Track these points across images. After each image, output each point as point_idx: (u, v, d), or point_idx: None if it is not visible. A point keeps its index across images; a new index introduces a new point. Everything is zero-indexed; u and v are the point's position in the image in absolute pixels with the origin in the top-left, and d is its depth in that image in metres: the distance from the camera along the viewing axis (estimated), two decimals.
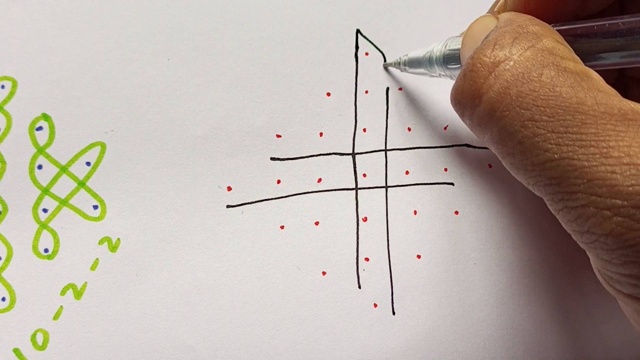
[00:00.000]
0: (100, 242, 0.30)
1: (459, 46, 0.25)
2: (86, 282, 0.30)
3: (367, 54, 0.33)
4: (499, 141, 0.20)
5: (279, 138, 0.32)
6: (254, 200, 0.31)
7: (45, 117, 0.32)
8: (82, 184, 0.31)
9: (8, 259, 0.30)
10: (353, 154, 0.32)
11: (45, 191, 0.31)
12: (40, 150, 0.31)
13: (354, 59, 0.33)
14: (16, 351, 0.29)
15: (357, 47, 0.33)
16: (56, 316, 0.29)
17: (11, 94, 0.32)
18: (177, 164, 0.31)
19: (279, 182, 0.31)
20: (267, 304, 0.30)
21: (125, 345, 0.29)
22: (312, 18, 0.33)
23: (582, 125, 0.18)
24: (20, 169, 0.31)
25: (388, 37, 0.34)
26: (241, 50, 0.33)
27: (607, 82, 0.20)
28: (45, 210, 0.30)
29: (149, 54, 0.33)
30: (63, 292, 0.30)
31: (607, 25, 0.21)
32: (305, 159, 0.32)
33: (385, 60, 0.33)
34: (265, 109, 0.32)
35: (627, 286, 0.18)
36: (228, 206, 0.31)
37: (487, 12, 0.29)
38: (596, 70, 0.21)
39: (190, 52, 0.33)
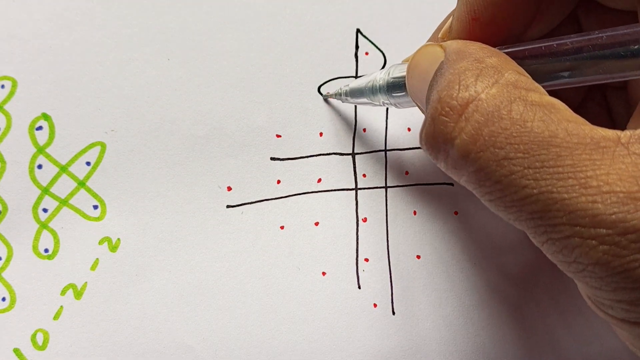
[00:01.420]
0: (101, 242, 0.30)
1: (403, 74, 0.25)
2: (86, 282, 0.30)
3: (367, 53, 0.33)
4: (476, 182, 0.19)
5: (279, 138, 0.32)
6: (253, 201, 0.31)
7: (45, 116, 0.32)
8: (82, 183, 0.31)
9: (8, 259, 0.30)
10: (353, 154, 0.32)
11: (45, 191, 0.31)
12: (40, 150, 0.31)
13: (354, 59, 0.33)
14: (16, 351, 0.29)
15: (357, 47, 0.33)
16: (56, 316, 0.29)
17: (11, 94, 0.32)
18: (177, 164, 0.31)
19: (278, 182, 0.31)
20: (267, 304, 0.30)
21: (125, 345, 0.29)
22: (312, 18, 0.33)
23: (557, 158, 0.17)
24: (20, 169, 0.31)
25: (388, 37, 0.34)
26: (241, 50, 0.33)
27: (572, 105, 0.20)
28: (45, 210, 0.30)
29: (149, 54, 0.33)
30: (63, 292, 0.30)
31: (554, 45, 0.21)
32: (305, 159, 0.32)
33: (385, 61, 0.33)
34: (265, 109, 0.32)
35: (620, 311, 0.18)
36: (228, 206, 0.31)
37: (429, 39, 0.28)
38: (552, 90, 0.21)
39: (190, 52, 0.33)
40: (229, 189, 0.31)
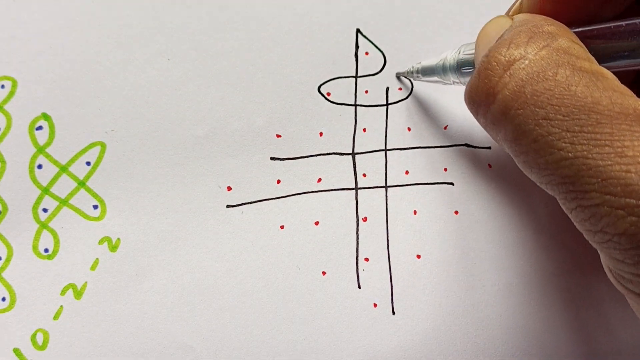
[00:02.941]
0: (100, 241, 0.30)
1: (472, 51, 0.26)
2: (86, 282, 0.30)
3: (367, 53, 0.33)
4: (513, 139, 0.20)
5: (279, 138, 0.32)
6: (254, 200, 0.31)
7: (45, 116, 0.32)
8: (82, 183, 0.31)
9: (8, 259, 0.30)
10: (353, 154, 0.32)
11: (45, 191, 0.31)
12: (40, 149, 0.31)
13: (354, 59, 0.33)
14: (16, 351, 0.29)
15: (357, 47, 0.33)
16: (56, 316, 0.29)
17: (11, 94, 0.32)
18: (177, 163, 0.31)
19: (279, 182, 0.31)
20: (267, 304, 0.30)
21: (125, 345, 0.29)
22: (312, 18, 0.33)
23: (597, 124, 0.18)
24: (20, 169, 0.31)
25: (388, 37, 0.34)
26: (241, 50, 0.33)
27: (626, 80, 0.20)
28: (45, 210, 0.30)
29: (149, 54, 0.33)
30: (63, 292, 0.30)
31: (624, 25, 0.21)
32: (305, 158, 0.32)
33: (385, 61, 0.33)
34: (265, 108, 0.32)
35: (638, 285, 0.18)
36: (228, 206, 0.31)
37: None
38: (613, 71, 0.21)
39: (190, 52, 0.33)
40: (229, 188, 0.31)
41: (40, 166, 0.31)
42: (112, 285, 0.30)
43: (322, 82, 0.33)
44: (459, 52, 0.27)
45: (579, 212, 0.18)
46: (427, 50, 0.34)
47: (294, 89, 0.33)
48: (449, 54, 0.28)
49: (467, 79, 0.26)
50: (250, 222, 0.31)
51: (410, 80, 0.33)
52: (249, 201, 0.31)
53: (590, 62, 0.19)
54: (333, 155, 0.32)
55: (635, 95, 0.19)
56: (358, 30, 0.34)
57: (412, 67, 0.31)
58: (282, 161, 0.32)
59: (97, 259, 0.30)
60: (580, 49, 0.20)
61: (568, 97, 0.18)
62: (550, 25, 0.21)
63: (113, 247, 0.30)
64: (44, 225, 0.30)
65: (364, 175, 0.32)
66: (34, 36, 0.33)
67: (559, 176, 0.18)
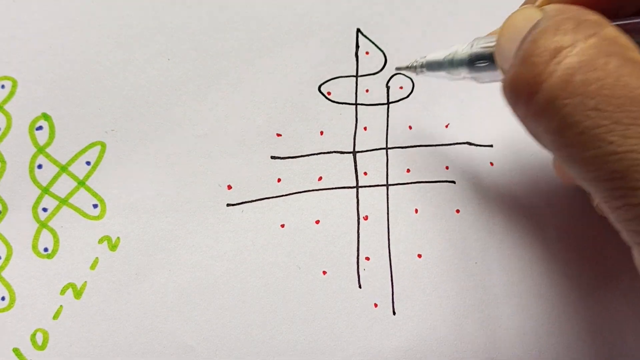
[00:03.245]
0: (100, 241, 0.30)
1: (488, 44, 0.24)
2: (86, 282, 0.30)
3: (367, 53, 0.33)
4: (557, 131, 0.19)
5: (279, 137, 0.32)
6: (254, 199, 0.31)
7: (46, 116, 0.32)
8: (82, 183, 0.31)
9: (8, 259, 0.30)
10: (354, 152, 0.32)
11: (45, 190, 0.31)
12: (40, 149, 0.31)
13: (355, 58, 0.33)
14: (16, 351, 0.29)
15: (357, 46, 0.33)
16: (56, 316, 0.29)
17: (11, 94, 0.32)
18: (177, 162, 0.31)
19: (279, 180, 0.31)
20: (267, 304, 0.30)
21: (125, 345, 0.29)
22: (312, 18, 0.33)
23: None
24: (20, 169, 0.31)
25: (389, 36, 0.33)
26: (241, 50, 0.33)
27: None
28: (45, 210, 0.30)
29: (149, 54, 0.33)
30: (63, 292, 0.29)
31: None
32: (306, 157, 0.32)
33: (385, 60, 0.33)
34: (265, 108, 0.32)
35: None
36: (228, 205, 0.31)
37: (523, 3, 0.27)
38: None
39: (190, 52, 0.33)
40: (229, 187, 0.31)
41: (40, 166, 0.31)
42: (112, 285, 0.30)
43: (322, 82, 0.33)
44: (472, 46, 0.26)
45: (625, 211, 0.17)
46: (428, 49, 0.33)
47: (294, 89, 0.32)
48: (459, 48, 0.27)
49: (481, 73, 0.25)
50: (251, 220, 0.31)
51: (410, 79, 0.33)
52: (249, 200, 0.31)
53: (639, 53, 0.18)
54: (334, 153, 0.32)
55: None
56: (358, 30, 0.33)
57: (416, 62, 0.29)
58: (282, 160, 0.32)
59: (97, 258, 0.30)
60: (626, 39, 0.19)
61: (619, 88, 0.17)
62: (593, 15, 0.20)
63: (113, 247, 0.30)
64: (43, 225, 0.30)
65: (365, 173, 0.32)
66: (34, 36, 0.33)
67: (606, 171, 0.17)
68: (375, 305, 0.31)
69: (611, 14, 0.23)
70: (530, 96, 0.19)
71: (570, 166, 0.19)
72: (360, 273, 0.31)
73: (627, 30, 0.21)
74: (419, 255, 0.31)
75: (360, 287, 0.31)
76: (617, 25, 0.21)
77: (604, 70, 0.18)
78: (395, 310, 0.31)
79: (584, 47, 0.18)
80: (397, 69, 0.31)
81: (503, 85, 0.21)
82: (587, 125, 0.18)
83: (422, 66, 0.29)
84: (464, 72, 0.26)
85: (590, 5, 0.22)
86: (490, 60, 0.24)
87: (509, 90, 0.20)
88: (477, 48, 0.25)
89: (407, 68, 0.30)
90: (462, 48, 0.26)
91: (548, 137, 0.19)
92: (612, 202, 0.18)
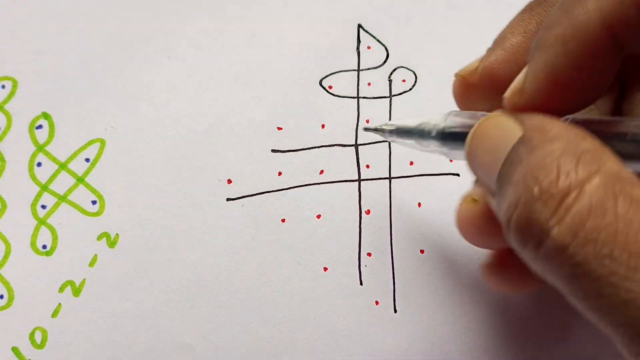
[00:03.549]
0: (99, 237, 0.30)
1: (465, 123, 0.23)
2: (85, 279, 0.29)
3: (369, 47, 0.33)
4: (570, 279, 0.18)
5: (280, 130, 0.32)
6: (254, 193, 0.31)
7: (45, 115, 0.32)
8: (81, 180, 0.31)
9: (6, 256, 0.30)
10: (356, 145, 0.32)
11: (44, 188, 0.31)
12: (40, 148, 0.31)
13: (356, 53, 0.33)
14: (15, 350, 0.29)
15: (358, 41, 0.33)
16: (54, 314, 0.29)
17: (11, 94, 0.32)
18: (176, 158, 0.31)
19: (280, 174, 0.31)
20: (267, 301, 0.29)
21: (124, 343, 0.29)
22: (313, 14, 0.34)
23: None
24: (19, 167, 0.31)
25: (390, 31, 0.33)
26: (242, 44, 0.33)
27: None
28: (43, 207, 0.30)
29: (148, 53, 0.33)
30: (61, 289, 0.29)
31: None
32: (307, 150, 0.31)
33: (387, 54, 0.33)
34: (265, 102, 0.32)
35: None
36: (228, 199, 0.31)
37: (467, 70, 0.25)
38: None
39: (190, 48, 0.33)
40: (229, 181, 0.31)
41: (39, 164, 0.31)
42: (111, 282, 0.29)
43: (323, 76, 0.33)
44: (445, 120, 0.24)
45: None
46: (430, 42, 0.33)
47: (294, 83, 0.32)
48: (432, 118, 0.25)
49: (452, 152, 0.24)
50: (251, 215, 0.30)
51: (413, 72, 0.33)
52: (250, 194, 0.31)
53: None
54: (335, 146, 0.32)
55: None
56: (360, 25, 0.33)
57: (386, 125, 0.27)
58: (283, 153, 0.31)
59: (96, 255, 0.30)
60: (627, 172, 0.18)
61: (633, 235, 0.16)
62: (585, 141, 0.18)
63: (112, 243, 0.30)
64: (42, 222, 0.30)
65: (367, 166, 0.31)
66: (34, 36, 0.33)
67: (626, 317, 0.17)
68: (377, 302, 0.30)
69: (587, 102, 0.22)
70: (539, 243, 0.18)
71: (585, 310, 0.18)
72: (361, 269, 0.30)
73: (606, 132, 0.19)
74: (422, 251, 0.31)
75: (361, 284, 0.30)
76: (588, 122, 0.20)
77: (613, 214, 0.17)
78: (397, 309, 0.30)
79: (590, 190, 0.17)
80: (365, 129, 0.29)
81: (505, 228, 0.20)
82: (602, 273, 0.17)
83: (391, 131, 0.27)
84: (432, 145, 0.25)
85: (566, 95, 0.20)
86: (463, 141, 0.23)
87: (514, 235, 0.19)
88: (450, 124, 0.24)
89: (376, 130, 0.28)
90: (435, 119, 0.24)
91: (559, 282, 0.18)
92: (634, 348, 0.17)
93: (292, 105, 0.32)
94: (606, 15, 0.19)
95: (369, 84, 0.33)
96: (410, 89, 0.33)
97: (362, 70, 0.33)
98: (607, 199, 0.17)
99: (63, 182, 0.31)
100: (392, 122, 0.27)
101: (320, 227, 0.30)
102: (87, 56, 0.33)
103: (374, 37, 0.33)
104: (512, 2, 0.27)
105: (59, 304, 0.29)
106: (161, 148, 0.31)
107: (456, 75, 0.25)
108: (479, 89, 0.23)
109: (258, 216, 0.30)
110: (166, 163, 0.31)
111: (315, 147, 0.31)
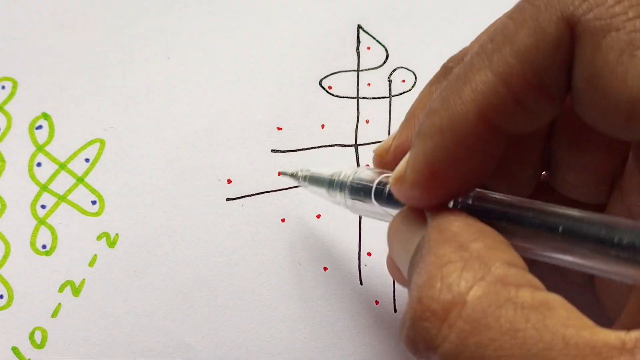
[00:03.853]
0: (99, 237, 0.30)
1: (370, 179, 0.24)
2: (84, 279, 0.29)
3: (368, 48, 0.33)
4: None
5: (280, 130, 0.32)
6: (254, 193, 0.31)
7: (45, 116, 0.32)
8: (80, 180, 0.31)
9: (6, 256, 0.29)
10: (356, 145, 0.32)
11: (44, 188, 0.30)
12: (40, 148, 0.31)
13: (356, 53, 0.33)
14: (15, 350, 0.28)
15: (358, 42, 0.33)
16: (54, 314, 0.29)
17: (11, 95, 0.32)
18: (176, 158, 0.31)
19: (279, 174, 0.31)
20: (267, 301, 0.29)
21: (123, 343, 0.29)
22: (312, 14, 0.34)
23: None
24: (19, 167, 0.31)
25: (390, 31, 0.33)
26: (242, 45, 0.33)
27: None
28: (43, 207, 0.30)
29: (148, 53, 0.33)
30: (61, 289, 0.29)
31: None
32: (307, 150, 0.31)
33: (387, 54, 0.33)
34: (265, 102, 0.32)
35: None
36: (228, 199, 0.31)
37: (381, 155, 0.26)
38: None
39: (190, 48, 0.33)
40: (229, 181, 0.31)
41: (39, 164, 0.31)
42: (111, 282, 0.29)
43: (323, 76, 0.33)
44: (355, 173, 0.24)
45: None
46: (430, 43, 0.33)
47: (294, 83, 0.32)
48: (344, 171, 0.25)
49: (357, 207, 0.25)
50: (251, 215, 0.30)
51: (413, 72, 0.33)
52: (249, 194, 0.31)
53: (532, 290, 0.17)
54: (335, 147, 0.32)
55: (589, 322, 0.16)
56: (359, 26, 0.33)
57: (301, 171, 0.28)
58: (283, 153, 0.31)
59: (96, 255, 0.30)
60: (516, 273, 0.18)
61: (517, 347, 0.16)
62: (477, 242, 0.18)
63: (111, 243, 0.30)
64: (42, 222, 0.30)
65: (367, 166, 0.31)
66: (34, 36, 0.33)
67: None
68: (377, 302, 0.30)
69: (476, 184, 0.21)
70: (428, 358, 0.18)
71: None
72: (361, 269, 0.30)
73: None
74: None
75: (361, 283, 0.30)
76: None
77: (497, 328, 0.16)
78: (397, 308, 0.30)
79: (473, 302, 0.17)
80: (282, 173, 0.30)
81: (400, 337, 0.19)
82: None
83: (304, 178, 0.28)
84: (339, 197, 0.25)
85: (447, 184, 0.20)
86: (368, 197, 0.23)
87: (406, 348, 0.19)
88: (357, 179, 0.24)
89: (292, 175, 0.29)
90: (346, 172, 0.25)
91: None
92: None
93: (292, 105, 0.32)
94: (481, 105, 0.18)
95: (369, 84, 0.33)
96: (410, 90, 0.33)
97: (362, 70, 0.33)
98: (489, 311, 0.17)
99: (63, 182, 0.31)
100: (307, 169, 0.28)
101: (320, 226, 0.30)
102: (87, 56, 0.33)
103: (374, 38, 0.33)
104: (512, 2, 0.27)
105: (59, 303, 0.29)
106: (161, 148, 0.31)
107: (374, 151, 0.26)
108: (394, 164, 0.23)
109: (258, 216, 0.30)
110: (166, 163, 0.31)
111: (315, 147, 0.31)
